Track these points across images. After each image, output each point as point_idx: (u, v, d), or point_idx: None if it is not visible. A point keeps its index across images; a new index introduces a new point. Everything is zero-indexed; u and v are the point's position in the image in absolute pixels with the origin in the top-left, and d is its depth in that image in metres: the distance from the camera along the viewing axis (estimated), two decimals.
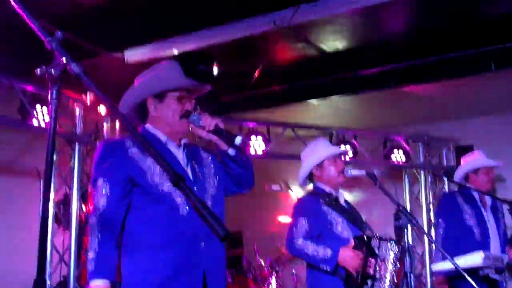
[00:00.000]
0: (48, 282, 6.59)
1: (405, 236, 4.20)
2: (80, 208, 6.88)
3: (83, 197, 6.93)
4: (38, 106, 6.60)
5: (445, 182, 9.24)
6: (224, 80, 7.62)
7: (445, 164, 9.30)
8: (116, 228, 3.10)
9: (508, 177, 8.27)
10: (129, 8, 6.19)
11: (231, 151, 3.38)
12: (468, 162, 6.38)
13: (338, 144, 8.40)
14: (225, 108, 8.65)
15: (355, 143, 8.77)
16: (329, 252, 4.34)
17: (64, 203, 7.15)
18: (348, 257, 4.30)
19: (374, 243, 4.33)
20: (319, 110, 9.09)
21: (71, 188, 6.97)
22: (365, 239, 4.35)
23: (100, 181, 3.11)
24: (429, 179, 9.24)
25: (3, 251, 7.50)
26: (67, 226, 6.91)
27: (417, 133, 9.15)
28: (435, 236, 6.32)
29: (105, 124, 7.29)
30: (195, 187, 3.22)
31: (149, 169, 3.12)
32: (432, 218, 8.92)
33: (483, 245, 5.87)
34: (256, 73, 7.28)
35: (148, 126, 3.35)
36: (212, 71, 7.37)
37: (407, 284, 4.07)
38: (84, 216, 6.84)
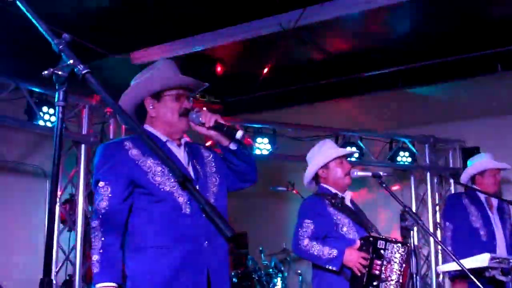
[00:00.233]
0: (54, 281, 6.61)
1: (411, 237, 4.20)
2: (86, 208, 6.90)
3: (89, 197, 6.95)
4: (44, 107, 6.64)
5: (451, 184, 9.22)
6: (230, 81, 7.63)
7: (451, 165, 9.28)
8: (120, 230, 3.10)
9: None
10: (136, 10, 6.20)
11: (232, 146, 3.35)
12: (475, 164, 6.37)
13: (344, 145, 8.40)
14: (232, 109, 8.65)
15: (361, 144, 8.77)
16: (335, 252, 4.34)
17: (70, 203, 7.18)
18: (354, 257, 4.30)
19: (380, 244, 4.32)
20: (325, 111, 9.08)
21: (77, 188, 6.99)
22: (371, 240, 4.34)
23: (101, 183, 3.11)
24: (435, 181, 9.22)
25: (9, 249, 7.52)
26: (73, 226, 6.93)
27: (423, 135, 9.13)
28: (443, 238, 6.31)
29: (111, 125, 7.29)
30: (197, 186, 3.22)
31: (150, 170, 3.13)
32: (438, 219, 8.91)
33: (489, 246, 5.87)
34: (263, 75, 7.27)
35: (146, 126, 3.34)
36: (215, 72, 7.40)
37: (413, 285, 4.07)
38: (90, 217, 6.86)
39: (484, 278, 5.13)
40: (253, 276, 8.30)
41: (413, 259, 4.13)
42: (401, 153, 8.97)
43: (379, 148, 9.12)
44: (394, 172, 8.99)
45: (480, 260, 5.06)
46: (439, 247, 8.50)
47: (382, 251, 4.31)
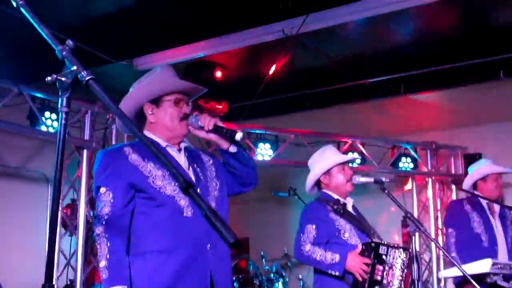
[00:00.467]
0: (55, 287, 6.60)
1: (413, 243, 4.20)
2: (88, 213, 6.90)
3: (91, 202, 6.95)
4: (47, 113, 6.65)
5: (453, 190, 9.22)
6: (233, 87, 7.64)
7: (453, 171, 9.28)
8: (124, 235, 3.09)
9: None
10: (139, 16, 6.21)
11: (232, 148, 3.36)
12: (477, 169, 6.38)
13: (346, 151, 8.41)
14: (234, 115, 8.65)
15: (363, 150, 8.77)
16: (337, 257, 4.35)
17: (71, 208, 7.18)
18: (356, 262, 4.31)
19: (382, 249, 4.33)
20: (327, 117, 9.08)
21: (78, 193, 7.00)
22: (373, 245, 4.35)
23: (102, 189, 3.11)
24: (437, 187, 9.22)
25: (10, 254, 7.53)
26: (74, 231, 6.94)
27: (425, 141, 9.14)
28: (446, 245, 6.31)
29: (113, 130, 7.30)
30: (198, 189, 3.23)
31: (150, 174, 3.13)
32: (439, 225, 8.91)
33: (491, 252, 5.88)
34: (265, 81, 7.28)
35: (146, 132, 3.34)
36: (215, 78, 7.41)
37: None
38: (91, 222, 6.86)
39: (486, 283, 5.14)
40: (254, 281, 8.29)
41: (415, 264, 4.13)
42: (403, 159, 8.98)
43: (381, 154, 9.12)
44: (396, 178, 8.99)
45: (482, 265, 5.06)
46: (441, 252, 8.50)
47: (383, 257, 4.32)
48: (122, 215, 3.09)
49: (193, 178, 3.28)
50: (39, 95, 6.64)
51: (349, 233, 4.54)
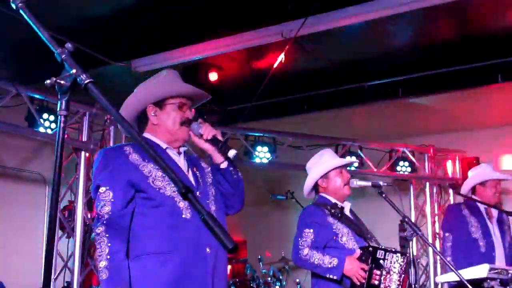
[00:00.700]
0: None
1: (410, 247, 4.20)
2: (85, 215, 6.90)
3: (88, 204, 6.95)
4: (45, 114, 6.65)
5: (450, 194, 9.23)
6: (231, 89, 7.64)
7: (450, 175, 9.29)
8: (124, 235, 3.07)
9: None
10: (138, 18, 6.21)
11: (223, 165, 3.36)
12: (476, 174, 6.39)
13: (344, 155, 8.42)
14: (232, 117, 8.66)
15: (361, 154, 8.78)
16: (335, 261, 4.34)
17: (69, 210, 7.18)
18: (354, 267, 4.31)
19: (380, 254, 4.33)
20: (325, 120, 9.09)
21: (76, 195, 6.99)
22: (371, 250, 4.35)
23: (102, 189, 3.08)
24: (435, 191, 9.22)
25: (8, 255, 7.53)
26: (72, 233, 6.93)
27: (423, 145, 9.15)
28: (442, 248, 6.32)
29: (111, 132, 7.30)
30: (198, 192, 3.23)
31: (150, 174, 3.12)
32: (437, 229, 8.91)
33: (488, 257, 5.88)
34: (263, 84, 7.28)
35: (146, 134, 3.34)
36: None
37: None
38: (89, 224, 6.85)
39: None
40: (252, 284, 8.29)
41: (412, 269, 4.13)
42: (401, 163, 8.99)
43: (379, 157, 9.13)
44: (393, 181, 9.00)
45: (480, 271, 5.06)
46: (438, 257, 8.51)
47: (381, 261, 4.32)
48: (123, 215, 3.07)
49: (193, 181, 3.28)
50: (37, 96, 6.64)
51: (346, 237, 4.53)
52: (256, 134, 8.51)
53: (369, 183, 4.62)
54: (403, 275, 4.33)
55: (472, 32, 6.68)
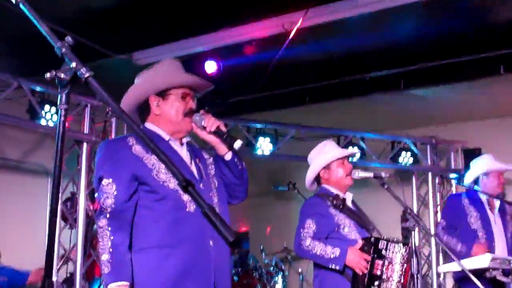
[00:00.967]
0: (55, 279, 6.63)
1: (412, 237, 4.21)
2: (87, 206, 6.91)
3: (90, 196, 6.96)
4: (46, 106, 6.65)
5: (452, 185, 9.22)
6: (233, 81, 7.63)
7: (453, 166, 9.28)
8: (127, 228, 3.04)
9: None
10: (139, 10, 6.20)
11: (227, 156, 3.32)
12: (479, 165, 6.39)
13: (346, 146, 8.42)
14: (234, 109, 8.65)
15: (363, 145, 8.78)
16: (337, 251, 4.35)
17: (71, 201, 7.19)
18: (356, 257, 4.32)
19: (382, 244, 4.34)
20: (327, 112, 9.08)
21: (78, 187, 7.00)
22: (372, 240, 4.36)
23: (105, 181, 3.04)
24: (437, 182, 9.22)
25: (10, 247, 7.54)
26: (74, 224, 6.94)
27: (425, 136, 9.14)
28: (437, 234, 6.36)
29: (113, 124, 7.30)
30: (201, 184, 3.20)
31: (154, 167, 3.08)
32: (439, 220, 8.91)
33: (488, 248, 5.89)
34: (265, 75, 7.27)
35: (149, 124, 3.30)
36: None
37: (414, 285, 4.08)
38: (91, 216, 6.86)
39: (485, 278, 5.15)
40: (254, 274, 8.32)
41: (414, 259, 4.13)
42: (403, 154, 8.98)
43: (381, 148, 9.12)
44: (396, 172, 9.00)
45: (481, 260, 5.08)
46: (440, 247, 8.52)
47: (383, 251, 4.33)
48: (126, 208, 3.03)
49: (195, 173, 3.24)
50: (38, 88, 6.65)
51: (348, 228, 4.54)
52: (258, 126, 8.51)
53: (371, 174, 4.62)
54: (405, 265, 4.35)
55: (474, 23, 6.66)
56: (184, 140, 3.33)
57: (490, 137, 8.82)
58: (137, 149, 3.12)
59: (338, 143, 8.45)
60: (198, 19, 6.45)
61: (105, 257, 2.94)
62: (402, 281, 4.33)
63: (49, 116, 6.67)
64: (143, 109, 3.32)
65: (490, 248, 5.90)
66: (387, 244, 4.35)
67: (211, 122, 3.20)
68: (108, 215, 3.00)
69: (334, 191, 4.75)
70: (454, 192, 9.02)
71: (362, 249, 4.35)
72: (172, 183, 3.07)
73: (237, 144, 3.18)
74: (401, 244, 4.37)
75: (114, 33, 6.74)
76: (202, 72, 7.14)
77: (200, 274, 3.05)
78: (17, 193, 7.86)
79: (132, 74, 3.43)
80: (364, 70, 7.88)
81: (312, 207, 4.66)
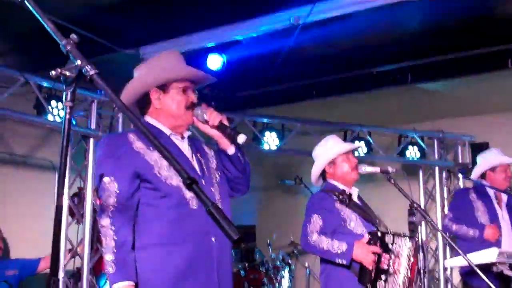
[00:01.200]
0: (62, 274, 6.66)
1: (419, 232, 4.21)
2: (94, 201, 6.93)
3: (97, 191, 6.97)
4: (53, 102, 6.66)
5: (459, 179, 9.20)
6: (239, 76, 7.62)
7: (460, 161, 9.25)
8: (130, 226, 3.00)
9: None
10: (145, 4, 6.19)
11: (230, 150, 3.27)
12: (486, 159, 6.38)
13: (352, 140, 8.42)
14: (241, 104, 8.65)
15: (370, 139, 8.77)
16: (344, 246, 4.35)
17: (78, 196, 7.21)
18: (362, 251, 4.31)
19: (388, 238, 4.34)
20: (334, 106, 9.07)
21: (85, 182, 7.01)
22: (379, 234, 4.35)
23: (107, 179, 2.99)
24: (444, 176, 9.20)
25: (18, 242, 7.57)
26: (81, 219, 6.96)
27: (432, 130, 9.12)
28: (445, 226, 6.35)
29: (120, 119, 7.31)
30: (203, 180, 3.16)
31: (156, 163, 3.03)
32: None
33: (495, 242, 5.88)
34: (272, 70, 7.26)
35: (148, 118, 3.26)
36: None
37: (421, 279, 4.08)
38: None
39: (492, 273, 5.14)
40: (261, 269, 8.32)
41: (421, 253, 4.13)
42: (410, 148, 8.97)
43: (388, 143, 9.11)
44: (402, 167, 8.99)
45: (488, 255, 5.07)
46: (447, 241, 8.51)
47: (390, 246, 4.33)
48: (128, 206, 2.99)
49: (197, 168, 3.20)
50: (45, 84, 6.65)
51: (355, 223, 4.54)
52: (265, 120, 8.51)
53: (378, 169, 4.62)
54: (411, 260, 4.35)
55: (482, 17, 6.63)
56: (186, 134, 3.30)
57: (498, 131, 8.79)
58: (138, 145, 3.07)
59: (345, 138, 8.47)
60: (206, 13, 6.44)
61: (109, 257, 2.91)
62: (409, 275, 4.33)
63: (56, 112, 6.68)
64: (142, 102, 3.27)
65: (497, 243, 5.90)
66: (393, 239, 4.35)
67: (213, 116, 3.15)
68: (110, 214, 2.97)
69: (340, 186, 4.75)
70: (461, 186, 9.00)
71: (368, 243, 4.35)
72: (175, 180, 3.03)
73: (241, 139, 3.10)
74: (408, 238, 4.37)
75: (121, 28, 6.73)
76: (208, 67, 7.14)
77: (203, 271, 3.03)
78: (24, 188, 7.88)
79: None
80: (371, 64, 7.87)
81: (318, 202, 4.66)
